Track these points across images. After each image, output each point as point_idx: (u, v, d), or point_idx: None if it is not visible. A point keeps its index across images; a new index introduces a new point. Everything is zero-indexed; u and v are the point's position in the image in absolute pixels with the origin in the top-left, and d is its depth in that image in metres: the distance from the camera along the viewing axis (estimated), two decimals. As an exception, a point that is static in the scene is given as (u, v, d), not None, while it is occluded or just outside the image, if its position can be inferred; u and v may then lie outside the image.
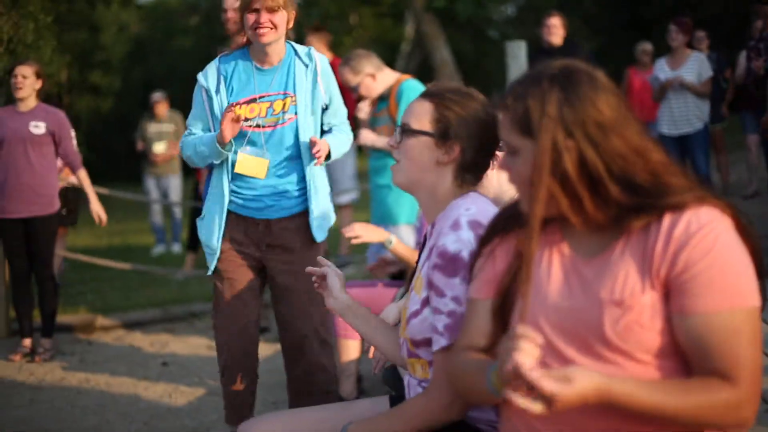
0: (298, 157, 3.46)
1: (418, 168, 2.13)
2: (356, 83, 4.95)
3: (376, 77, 4.93)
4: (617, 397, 1.50)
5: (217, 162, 3.44)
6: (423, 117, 2.12)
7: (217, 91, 3.42)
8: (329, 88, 3.51)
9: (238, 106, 3.34)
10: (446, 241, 1.99)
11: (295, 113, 3.42)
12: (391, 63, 6.30)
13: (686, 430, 1.58)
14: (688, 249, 1.55)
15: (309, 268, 2.38)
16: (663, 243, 1.58)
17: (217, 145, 3.31)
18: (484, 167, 2.16)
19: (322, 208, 3.53)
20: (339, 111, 3.59)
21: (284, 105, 3.41)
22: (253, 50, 3.43)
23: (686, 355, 1.57)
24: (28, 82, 5.42)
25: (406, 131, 2.14)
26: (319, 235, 3.54)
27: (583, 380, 1.47)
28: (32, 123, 5.42)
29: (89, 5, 19.39)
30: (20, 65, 5.45)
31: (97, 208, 5.71)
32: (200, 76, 3.45)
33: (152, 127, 9.82)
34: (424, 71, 17.50)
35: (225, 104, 3.39)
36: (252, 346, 3.64)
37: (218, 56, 3.50)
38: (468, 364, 1.78)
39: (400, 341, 2.21)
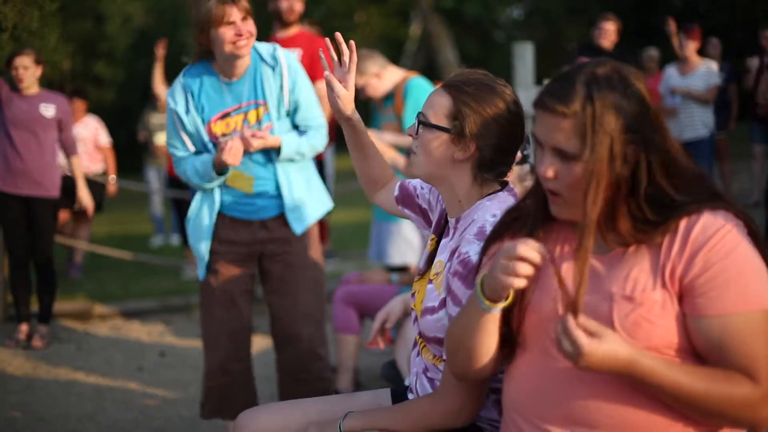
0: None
1: (435, 163, 2.08)
2: (362, 84, 4.90)
3: (382, 76, 4.88)
4: (642, 369, 1.52)
5: (209, 186, 3.40)
6: (440, 111, 2.05)
7: (187, 111, 3.35)
8: (295, 89, 3.40)
9: (214, 123, 3.34)
10: (470, 250, 1.95)
11: (270, 121, 3.38)
12: (395, 62, 6.26)
13: (700, 428, 1.59)
14: (705, 250, 1.57)
15: (326, 73, 2.30)
16: (680, 245, 1.59)
17: (213, 171, 3.30)
18: (506, 166, 2.10)
19: (296, 200, 3.48)
20: (309, 111, 3.48)
21: (258, 115, 3.37)
22: (220, 64, 3.34)
23: (703, 355, 1.58)
24: (29, 72, 5.39)
25: (423, 123, 2.08)
26: (298, 226, 3.50)
27: (613, 343, 1.51)
28: (42, 105, 5.41)
29: (95, -5, 19.39)
30: (18, 56, 5.37)
31: (85, 197, 5.79)
32: (169, 98, 3.37)
33: (155, 118, 9.79)
34: (429, 71, 17.47)
35: (198, 123, 3.35)
36: (244, 351, 3.62)
37: (183, 71, 3.41)
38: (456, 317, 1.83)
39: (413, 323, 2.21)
